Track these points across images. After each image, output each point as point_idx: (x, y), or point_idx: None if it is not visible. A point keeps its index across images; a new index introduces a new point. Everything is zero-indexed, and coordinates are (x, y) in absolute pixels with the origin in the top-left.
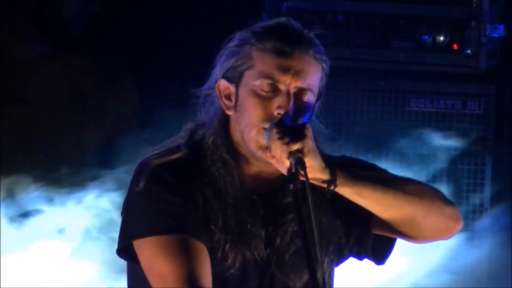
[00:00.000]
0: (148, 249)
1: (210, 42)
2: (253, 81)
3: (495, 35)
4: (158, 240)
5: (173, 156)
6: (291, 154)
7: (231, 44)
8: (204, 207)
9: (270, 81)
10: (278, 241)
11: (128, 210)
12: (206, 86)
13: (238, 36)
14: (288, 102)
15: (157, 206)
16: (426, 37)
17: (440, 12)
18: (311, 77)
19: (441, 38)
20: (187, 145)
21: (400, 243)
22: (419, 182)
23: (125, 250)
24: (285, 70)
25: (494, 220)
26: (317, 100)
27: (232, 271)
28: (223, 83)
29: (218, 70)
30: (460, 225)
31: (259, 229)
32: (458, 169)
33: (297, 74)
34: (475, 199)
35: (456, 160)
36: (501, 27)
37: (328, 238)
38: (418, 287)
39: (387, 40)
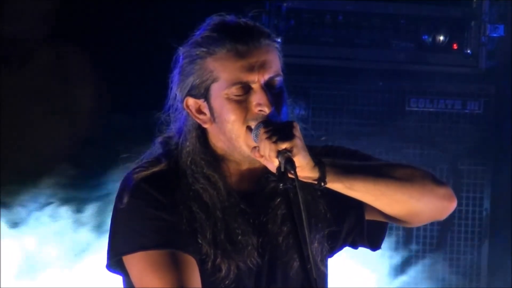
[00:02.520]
0: (136, 265)
1: None
2: (223, 91)
3: (495, 35)
4: (146, 256)
5: (154, 168)
6: (279, 153)
7: (180, 63)
8: (190, 220)
9: (241, 85)
10: (273, 243)
11: (114, 226)
12: (167, 107)
13: (183, 53)
14: (266, 97)
15: (143, 221)
16: (426, 37)
17: (440, 12)
18: (274, 63)
19: (441, 38)
20: (166, 157)
21: (398, 242)
22: (408, 166)
23: (116, 265)
24: (249, 69)
25: (494, 220)
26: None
27: (227, 282)
28: (190, 100)
29: (178, 92)
30: (454, 203)
31: (250, 237)
32: (458, 169)
33: (261, 67)
34: (475, 199)
35: (456, 160)
36: (501, 27)
37: (319, 224)
38: (418, 287)
39: (387, 40)
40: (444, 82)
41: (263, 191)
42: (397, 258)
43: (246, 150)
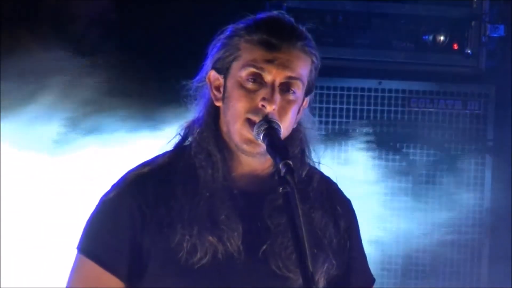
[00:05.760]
0: (74, 262)
1: (208, 41)
2: (239, 72)
3: (495, 35)
4: (82, 259)
5: (150, 167)
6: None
7: (222, 35)
8: (175, 204)
9: (254, 69)
10: (271, 237)
11: (90, 216)
12: (198, 77)
13: (229, 28)
14: (273, 94)
15: (101, 228)
16: (426, 37)
17: (440, 12)
18: (298, 70)
19: (441, 38)
20: (174, 149)
21: (399, 242)
22: None
23: None
24: (270, 61)
25: (494, 220)
26: (306, 94)
27: (204, 262)
28: (213, 74)
29: (209, 61)
30: None
31: (233, 223)
32: (458, 169)
33: (282, 65)
34: (475, 199)
35: (456, 160)
36: (501, 27)
37: (329, 250)
38: (417, 287)
39: (387, 40)
40: (444, 82)
41: (272, 203)
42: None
43: (237, 140)
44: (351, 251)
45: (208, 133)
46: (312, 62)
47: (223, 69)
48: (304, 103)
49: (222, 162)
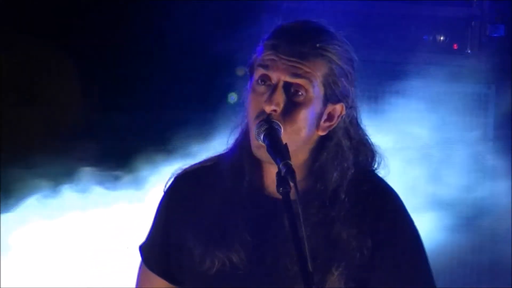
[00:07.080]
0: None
1: (209, 41)
2: (254, 75)
3: (495, 35)
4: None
5: (199, 165)
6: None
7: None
8: (199, 209)
9: (261, 69)
10: (277, 248)
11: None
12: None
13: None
14: (272, 94)
15: (153, 230)
16: (426, 37)
17: (440, 12)
18: (304, 69)
19: (441, 38)
20: (223, 153)
21: None
22: None
23: None
24: (274, 60)
25: (494, 220)
26: (329, 99)
27: (212, 272)
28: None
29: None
30: None
31: (243, 235)
32: (458, 168)
33: (285, 65)
34: (475, 199)
35: (456, 160)
36: (501, 27)
37: (342, 263)
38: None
39: (387, 40)
40: (444, 82)
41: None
42: None
43: (252, 146)
44: (379, 273)
45: (240, 142)
46: (329, 66)
47: (251, 74)
48: (337, 111)
49: (249, 173)
